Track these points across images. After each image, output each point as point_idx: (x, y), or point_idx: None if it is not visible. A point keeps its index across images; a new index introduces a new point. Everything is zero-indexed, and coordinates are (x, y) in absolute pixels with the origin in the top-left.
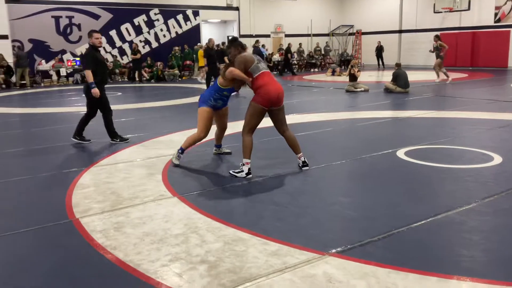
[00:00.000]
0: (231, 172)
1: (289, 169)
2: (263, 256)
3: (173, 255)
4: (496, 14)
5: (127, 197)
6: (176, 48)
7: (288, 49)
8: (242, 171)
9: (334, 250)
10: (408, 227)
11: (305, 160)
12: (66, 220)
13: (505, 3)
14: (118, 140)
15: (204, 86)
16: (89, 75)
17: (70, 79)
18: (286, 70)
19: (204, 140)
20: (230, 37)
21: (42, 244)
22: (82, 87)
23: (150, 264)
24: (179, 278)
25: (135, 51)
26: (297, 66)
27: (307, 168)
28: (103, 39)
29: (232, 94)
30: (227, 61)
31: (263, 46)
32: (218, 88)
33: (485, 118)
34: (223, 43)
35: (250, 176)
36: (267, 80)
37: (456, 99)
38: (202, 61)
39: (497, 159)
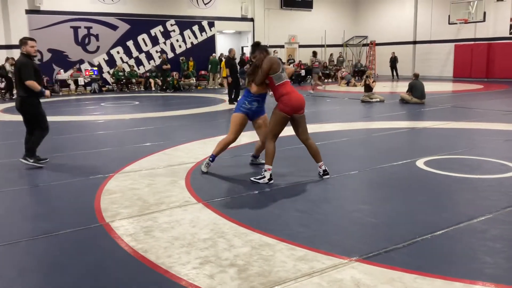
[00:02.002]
0: (252, 179)
1: (310, 177)
2: (291, 260)
3: (203, 259)
4: (511, 26)
5: (153, 202)
6: (181, 58)
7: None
8: (264, 177)
9: (359, 256)
10: (431, 235)
11: (326, 169)
12: (96, 224)
13: None
14: (32, 161)
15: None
16: (33, 84)
17: (88, 88)
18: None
19: (229, 147)
20: (252, 44)
21: (76, 246)
22: (18, 103)
23: (181, 267)
24: (211, 280)
25: (165, 61)
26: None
27: (327, 176)
28: (120, 49)
29: (269, 93)
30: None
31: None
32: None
33: (502, 129)
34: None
35: (272, 182)
36: (289, 89)
37: (473, 110)
38: (225, 72)
39: None
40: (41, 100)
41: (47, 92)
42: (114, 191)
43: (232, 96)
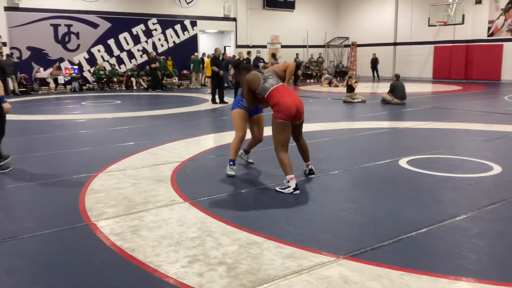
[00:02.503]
0: (277, 188)
1: (296, 177)
2: (279, 258)
3: (191, 257)
4: (489, 28)
5: (139, 202)
6: (162, 57)
7: (299, 64)
8: (289, 186)
9: (346, 254)
10: (416, 232)
11: (312, 168)
12: (82, 224)
13: (498, 18)
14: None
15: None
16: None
17: (68, 87)
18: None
19: (210, 147)
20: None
21: (62, 246)
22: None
23: (170, 265)
24: (200, 278)
25: (153, 59)
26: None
27: (313, 176)
28: (101, 48)
29: None
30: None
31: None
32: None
33: (482, 130)
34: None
35: (298, 192)
36: (282, 93)
37: (452, 110)
38: (210, 71)
39: (497, 169)
40: (19, 99)
41: (6, 106)
42: (99, 190)
43: (216, 96)
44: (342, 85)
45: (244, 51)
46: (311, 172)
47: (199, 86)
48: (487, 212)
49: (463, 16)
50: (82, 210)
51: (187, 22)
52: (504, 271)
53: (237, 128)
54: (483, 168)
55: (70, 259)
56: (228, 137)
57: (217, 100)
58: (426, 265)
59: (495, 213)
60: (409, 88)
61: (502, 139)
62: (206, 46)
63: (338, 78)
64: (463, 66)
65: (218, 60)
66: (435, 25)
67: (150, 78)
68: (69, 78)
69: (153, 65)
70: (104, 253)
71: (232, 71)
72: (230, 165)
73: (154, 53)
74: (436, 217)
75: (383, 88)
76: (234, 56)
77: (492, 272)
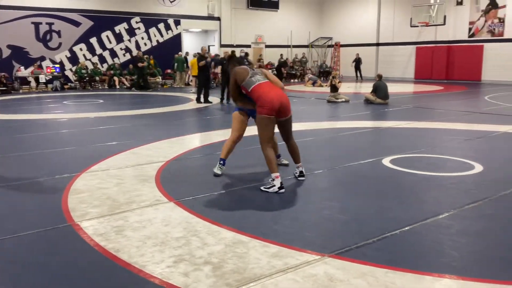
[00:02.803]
0: (262, 188)
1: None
2: (265, 257)
3: (177, 257)
4: (470, 29)
5: (124, 202)
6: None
7: (284, 62)
8: (274, 185)
9: (332, 252)
10: (400, 230)
11: (303, 170)
12: (65, 224)
13: (479, 19)
14: None
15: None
16: None
17: (49, 86)
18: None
19: (195, 146)
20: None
21: (45, 247)
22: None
23: (156, 266)
24: (186, 278)
25: (141, 58)
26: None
27: (303, 178)
28: (83, 46)
29: None
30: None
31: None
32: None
33: (463, 129)
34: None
35: (283, 191)
36: (265, 89)
37: (434, 110)
38: (196, 70)
39: (478, 168)
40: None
41: None
42: (82, 190)
43: (201, 95)
44: (326, 85)
45: (229, 50)
46: (301, 174)
47: (183, 86)
48: (469, 210)
49: (445, 17)
50: (65, 211)
51: (170, 21)
52: (485, 268)
53: (233, 129)
54: (464, 167)
55: (53, 260)
56: (213, 136)
57: (202, 99)
58: (410, 263)
59: (476, 211)
60: (392, 88)
61: (483, 138)
62: (190, 45)
63: (322, 78)
64: (445, 66)
65: (204, 58)
66: (417, 26)
67: (135, 77)
68: (51, 77)
69: (140, 64)
70: (88, 253)
71: (217, 70)
72: (220, 164)
73: (141, 52)
74: (419, 215)
75: (366, 88)
76: (218, 55)
77: (474, 269)
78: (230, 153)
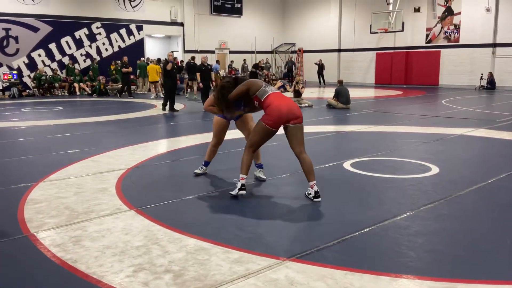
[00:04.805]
0: (230, 193)
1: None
2: (226, 263)
3: (137, 266)
4: (427, 36)
5: (82, 211)
6: (118, 62)
7: (256, 65)
8: (236, 187)
9: (293, 256)
10: (359, 232)
11: (318, 190)
12: (21, 235)
13: (435, 25)
14: None
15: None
16: None
17: (6, 93)
18: None
19: (157, 153)
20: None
21: (0, 259)
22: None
23: (114, 276)
24: (146, 287)
25: (125, 64)
26: None
27: (319, 199)
28: (42, 52)
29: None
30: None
31: (217, 61)
32: None
33: (421, 132)
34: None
35: (243, 193)
36: (277, 98)
37: (394, 114)
38: (155, 76)
39: (435, 170)
40: None
41: None
42: (39, 200)
43: (167, 102)
44: (290, 90)
45: (206, 55)
46: (316, 195)
47: (146, 92)
48: (426, 211)
49: (403, 23)
50: (21, 221)
51: (132, 26)
52: (442, 266)
53: (213, 134)
54: (422, 169)
55: (9, 272)
56: (176, 143)
57: (167, 107)
58: (369, 264)
59: (433, 212)
60: (353, 93)
61: (440, 141)
62: (153, 51)
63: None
64: (404, 71)
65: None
66: (377, 32)
67: (119, 83)
68: (8, 84)
69: (124, 70)
70: (44, 265)
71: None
72: (202, 165)
73: (126, 58)
74: (379, 217)
75: (329, 93)
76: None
77: (431, 268)
78: (212, 157)
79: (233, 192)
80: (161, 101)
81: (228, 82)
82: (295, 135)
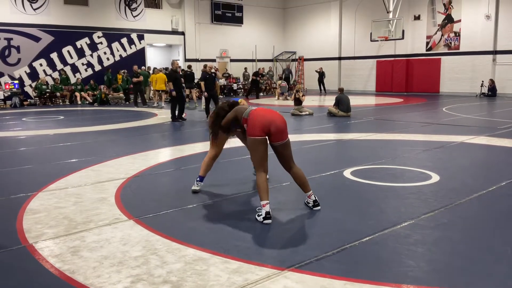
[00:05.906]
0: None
1: (243, 191)
2: (225, 274)
3: (135, 277)
4: (427, 43)
5: (81, 221)
6: (125, 71)
7: (256, 73)
8: (260, 214)
9: (292, 266)
10: (359, 242)
11: (316, 199)
12: (19, 246)
13: (435, 33)
14: None
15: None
16: None
17: (8, 102)
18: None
19: (157, 162)
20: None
21: None
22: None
23: (112, 286)
24: None
25: (136, 74)
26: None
27: (318, 208)
28: (44, 62)
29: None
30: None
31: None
32: None
33: (422, 140)
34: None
35: (268, 222)
36: (258, 111)
37: (394, 122)
38: (162, 85)
39: (435, 178)
40: None
41: None
42: (38, 210)
43: (176, 112)
44: (291, 98)
45: (198, 64)
46: (315, 204)
47: (147, 100)
48: (426, 220)
49: (403, 31)
50: (20, 232)
51: (134, 36)
52: (441, 275)
53: (210, 146)
54: (422, 177)
55: (6, 283)
56: (177, 152)
57: (179, 118)
58: (369, 274)
59: (433, 220)
60: (354, 101)
61: (440, 148)
62: (154, 60)
63: (289, 91)
64: (404, 79)
65: (176, 73)
66: (377, 40)
67: (132, 93)
68: (9, 93)
69: (135, 80)
70: (42, 276)
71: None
72: (197, 181)
73: (136, 67)
74: (378, 225)
75: (329, 101)
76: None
77: (430, 277)
78: (208, 170)
79: (259, 219)
80: (163, 110)
81: (223, 109)
82: (281, 153)
